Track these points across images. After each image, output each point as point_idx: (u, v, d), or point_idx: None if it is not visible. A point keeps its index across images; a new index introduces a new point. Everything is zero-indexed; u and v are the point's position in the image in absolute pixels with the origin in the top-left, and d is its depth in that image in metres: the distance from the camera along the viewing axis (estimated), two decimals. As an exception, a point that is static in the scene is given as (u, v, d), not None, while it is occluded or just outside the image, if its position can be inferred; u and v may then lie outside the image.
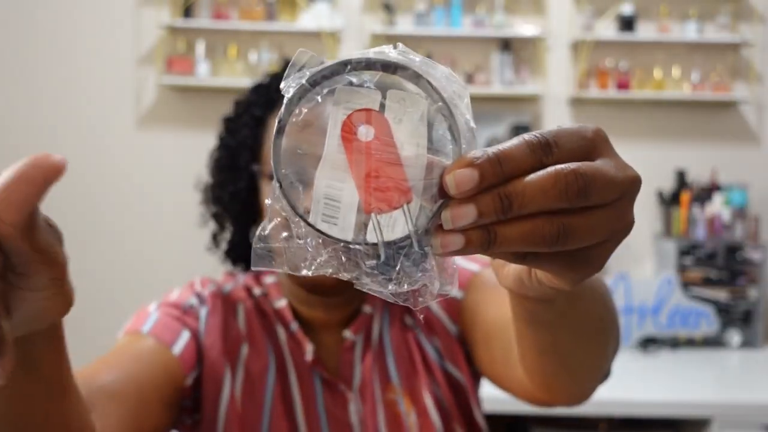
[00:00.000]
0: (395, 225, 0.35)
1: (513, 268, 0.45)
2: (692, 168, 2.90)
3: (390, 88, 0.36)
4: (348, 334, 0.87)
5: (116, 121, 3.02)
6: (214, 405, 0.82)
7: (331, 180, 0.35)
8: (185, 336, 0.81)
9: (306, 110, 0.36)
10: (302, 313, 0.88)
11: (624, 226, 0.37)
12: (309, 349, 0.85)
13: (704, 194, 2.76)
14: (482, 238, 0.34)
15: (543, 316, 0.52)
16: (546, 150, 0.35)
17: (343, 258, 0.36)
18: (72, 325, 0.58)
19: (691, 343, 2.60)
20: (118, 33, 3.02)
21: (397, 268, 0.36)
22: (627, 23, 2.90)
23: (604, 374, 0.65)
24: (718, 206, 2.71)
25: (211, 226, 0.96)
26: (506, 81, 2.90)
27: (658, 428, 2.21)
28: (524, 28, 2.93)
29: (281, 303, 0.88)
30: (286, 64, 0.94)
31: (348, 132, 0.35)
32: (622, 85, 2.91)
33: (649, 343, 2.52)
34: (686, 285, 2.59)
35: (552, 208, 0.34)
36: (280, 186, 0.36)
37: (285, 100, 0.36)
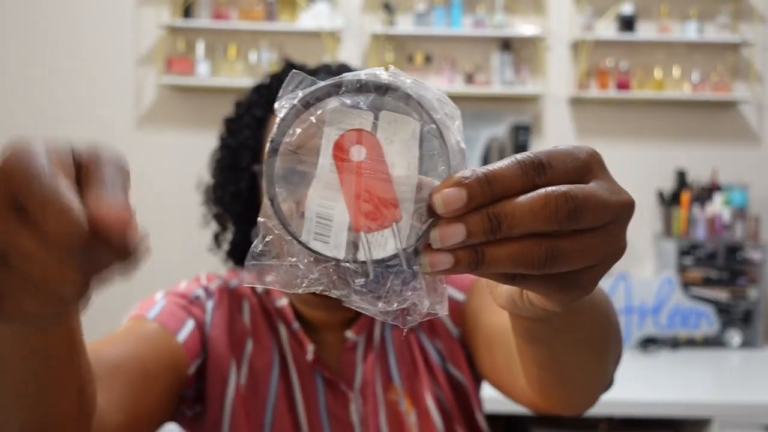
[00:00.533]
0: (386, 244, 0.36)
1: (505, 288, 0.45)
2: (692, 168, 2.90)
3: (382, 110, 0.36)
4: (350, 334, 0.87)
5: (116, 121, 3.02)
6: (220, 399, 0.82)
7: (323, 199, 0.36)
8: (190, 325, 0.81)
9: (299, 130, 0.37)
10: (304, 313, 0.88)
11: (615, 250, 0.37)
12: (310, 349, 0.85)
13: (704, 194, 2.76)
14: (470, 258, 0.34)
15: (540, 333, 0.51)
16: (539, 171, 0.34)
17: (333, 276, 0.37)
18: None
19: (691, 343, 2.60)
20: (118, 33, 3.02)
21: (387, 287, 0.36)
22: (627, 23, 2.90)
23: (606, 384, 0.65)
24: (718, 206, 2.71)
25: (213, 226, 0.96)
26: (506, 81, 2.90)
27: (658, 428, 2.21)
28: (524, 28, 2.92)
29: (282, 302, 0.88)
30: (287, 64, 0.94)
31: (340, 152, 0.36)
32: (622, 85, 2.91)
33: (649, 343, 2.52)
34: (686, 285, 2.59)
35: (541, 230, 0.34)
36: (272, 204, 0.36)
37: (278, 120, 0.37)
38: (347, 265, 0.36)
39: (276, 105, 0.37)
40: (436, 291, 0.37)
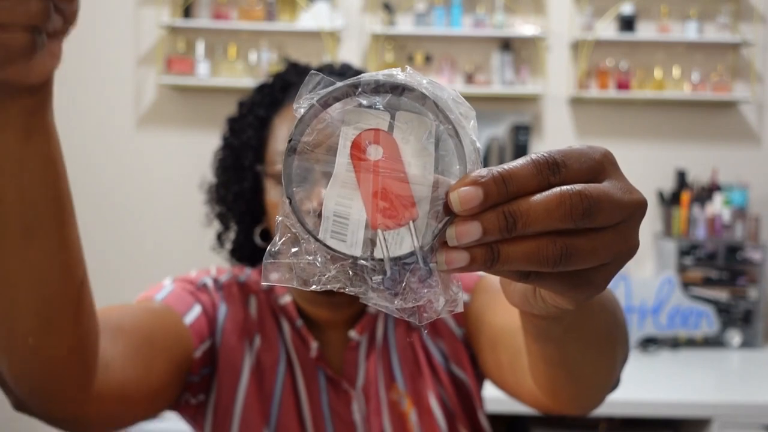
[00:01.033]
0: (402, 242, 0.36)
1: (518, 287, 0.46)
2: (692, 168, 2.90)
3: (398, 110, 0.37)
4: (353, 334, 0.87)
5: (116, 121, 3.02)
6: (232, 389, 0.83)
7: (341, 197, 0.37)
8: (197, 309, 0.81)
9: (317, 130, 0.37)
10: (307, 312, 0.88)
11: (628, 248, 0.37)
12: (313, 346, 0.86)
13: (704, 194, 2.76)
14: (486, 256, 0.35)
15: (550, 332, 0.52)
16: (553, 170, 0.35)
17: (350, 273, 0.37)
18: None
19: (691, 343, 2.60)
20: (118, 33, 3.02)
21: (403, 284, 0.37)
22: (627, 23, 2.90)
23: (613, 384, 0.66)
24: (718, 206, 2.71)
25: (215, 225, 0.96)
26: (506, 81, 2.90)
27: (658, 428, 2.21)
28: (524, 28, 2.92)
29: (286, 299, 0.88)
30: (289, 64, 0.94)
31: (357, 151, 0.37)
32: (622, 85, 2.91)
33: (649, 343, 2.52)
34: (686, 285, 2.59)
35: (556, 229, 0.34)
36: (290, 203, 0.37)
37: (296, 120, 0.38)
38: (364, 262, 0.37)
39: (294, 105, 0.38)
40: (451, 288, 0.38)
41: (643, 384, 2.18)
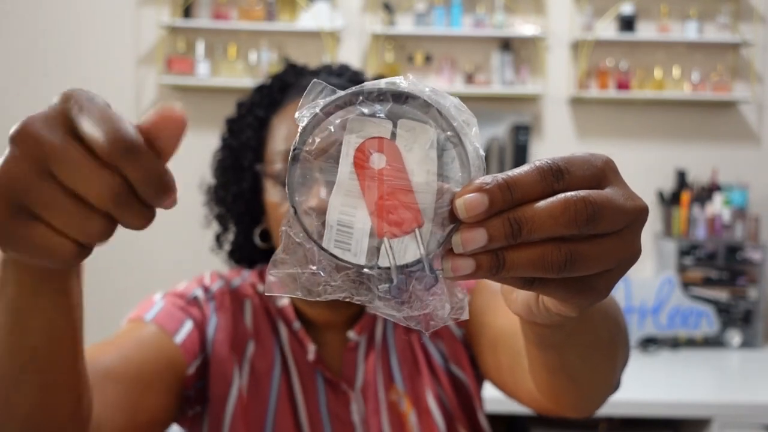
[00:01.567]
0: (406, 250, 0.36)
1: (521, 295, 0.46)
2: (692, 168, 2.90)
3: (400, 118, 0.37)
4: (352, 334, 0.87)
5: (116, 121, 3.02)
6: (222, 401, 0.82)
7: (344, 206, 0.37)
8: (188, 325, 0.81)
9: (319, 139, 0.37)
10: (305, 313, 0.88)
11: (631, 254, 0.38)
12: (311, 349, 0.85)
13: (704, 194, 2.76)
14: (491, 263, 0.35)
15: (552, 339, 0.52)
16: (557, 176, 0.35)
17: (356, 282, 0.38)
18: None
19: (691, 343, 2.60)
20: (118, 33, 3.02)
21: (409, 292, 0.37)
22: (627, 23, 2.90)
23: (614, 387, 0.66)
24: (718, 206, 2.71)
25: (214, 227, 0.96)
26: (506, 81, 2.90)
27: (658, 428, 2.21)
28: (524, 28, 2.92)
29: (284, 301, 0.88)
30: (288, 65, 0.94)
31: (361, 159, 0.37)
32: (622, 85, 2.91)
33: (649, 343, 2.52)
34: (686, 285, 2.59)
35: (561, 235, 0.35)
36: (295, 212, 0.37)
37: (299, 129, 0.38)
38: (370, 271, 0.37)
39: (296, 114, 0.38)
40: (457, 296, 0.38)
41: (643, 384, 2.18)
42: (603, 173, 0.37)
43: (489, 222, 0.34)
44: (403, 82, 0.37)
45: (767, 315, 2.65)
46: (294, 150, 0.38)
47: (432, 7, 2.93)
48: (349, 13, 2.97)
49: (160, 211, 0.39)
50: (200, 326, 0.83)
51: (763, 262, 2.61)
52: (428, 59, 2.96)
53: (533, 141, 2.98)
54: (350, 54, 2.97)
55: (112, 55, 3.02)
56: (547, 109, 3.00)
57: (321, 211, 0.37)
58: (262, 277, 0.92)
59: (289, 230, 0.38)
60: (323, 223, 0.37)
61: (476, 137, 0.38)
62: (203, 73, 2.90)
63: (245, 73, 2.92)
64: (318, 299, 0.38)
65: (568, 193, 0.35)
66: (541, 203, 0.34)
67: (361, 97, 0.37)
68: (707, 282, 2.62)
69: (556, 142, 3.00)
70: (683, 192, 2.78)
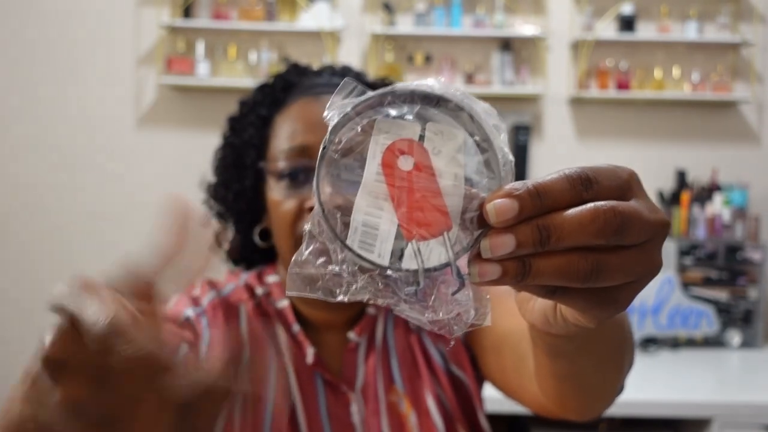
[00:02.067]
0: (431, 253, 0.36)
1: (538, 304, 0.45)
2: (692, 168, 2.90)
3: (429, 120, 0.37)
4: (352, 335, 0.86)
5: (116, 121, 3.02)
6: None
7: (370, 207, 0.36)
8: (183, 351, 0.80)
9: (346, 138, 0.37)
10: (305, 314, 0.87)
11: (653, 268, 0.37)
12: (310, 352, 0.85)
13: (704, 194, 2.76)
14: (518, 270, 0.35)
15: (563, 348, 0.52)
16: (586, 185, 0.35)
17: (380, 284, 0.37)
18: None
19: (691, 343, 2.60)
20: (118, 33, 3.02)
21: (434, 296, 0.37)
22: (627, 23, 2.90)
23: (619, 391, 0.66)
24: (718, 206, 2.71)
25: (214, 225, 0.95)
26: (506, 81, 2.90)
27: (658, 428, 2.20)
28: (524, 28, 2.92)
29: (283, 303, 0.87)
30: (290, 65, 0.94)
31: (389, 161, 0.36)
32: (622, 85, 2.91)
33: (649, 343, 2.52)
34: (686, 285, 2.59)
35: (588, 244, 0.35)
36: (323, 212, 0.37)
37: (329, 128, 0.37)
38: (396, 273, 0.36)
39: (326, 113, 0.38)
40: (481, 301, 0.38)
41: (643, 384, 2.18)
42: (628, 185, 0.37)
43: (518, 228, 0.34)
44: (435, 84, 0.37)
45: (767, 315, 2.65)
46: (323, 149, 0.37)
47: (432, 7, 2.93)
48: (349, 13, 2.97)
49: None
50: (194, 347, 0.82)
51: (763, 262, 2.61)
52: (428, 59, 2.96)
53: (533, 141, 2.98)
54: (350, 54, 2.97)
55: (112, 55, 3.02)
56: (547, 109, 3.00)
57: (346, 211, 0.37)
58: (260, 279, 0.91)
59: (313, 229, 0.37)
60: (346, 224, 0.37)
61: (504, 142, 0.38)
62: (203, 73, 2.90)
63: (245, 73, 2.92)
64: (340, 300, 0.37)
65: (598, 203, 0.35)
66: (571, 211, 0.34)
67: (391, 98, 0.37)
68: (707, 282, 2.62)
69: (556, 142, 3.00)
70: (683, 192, 2.78)
